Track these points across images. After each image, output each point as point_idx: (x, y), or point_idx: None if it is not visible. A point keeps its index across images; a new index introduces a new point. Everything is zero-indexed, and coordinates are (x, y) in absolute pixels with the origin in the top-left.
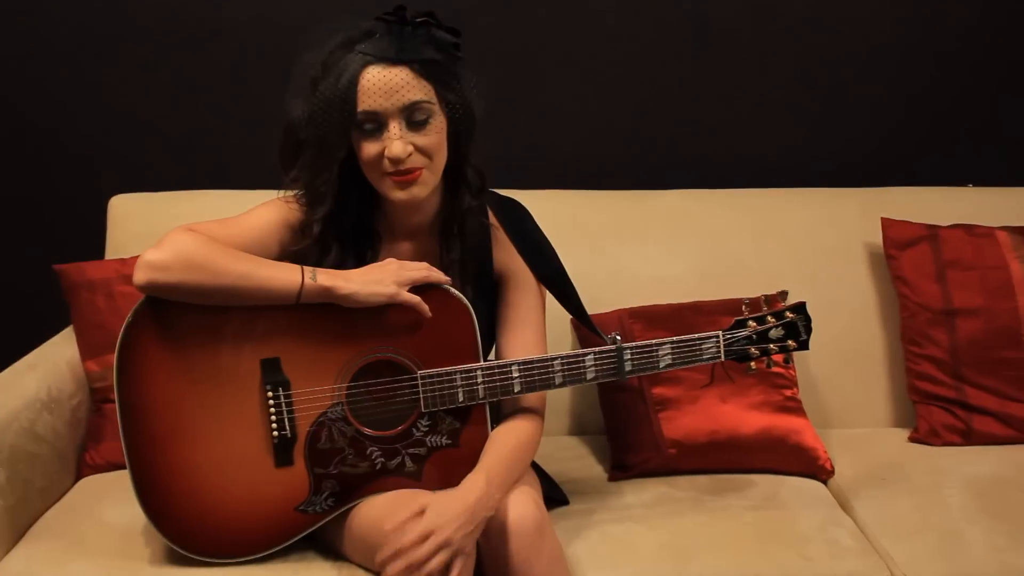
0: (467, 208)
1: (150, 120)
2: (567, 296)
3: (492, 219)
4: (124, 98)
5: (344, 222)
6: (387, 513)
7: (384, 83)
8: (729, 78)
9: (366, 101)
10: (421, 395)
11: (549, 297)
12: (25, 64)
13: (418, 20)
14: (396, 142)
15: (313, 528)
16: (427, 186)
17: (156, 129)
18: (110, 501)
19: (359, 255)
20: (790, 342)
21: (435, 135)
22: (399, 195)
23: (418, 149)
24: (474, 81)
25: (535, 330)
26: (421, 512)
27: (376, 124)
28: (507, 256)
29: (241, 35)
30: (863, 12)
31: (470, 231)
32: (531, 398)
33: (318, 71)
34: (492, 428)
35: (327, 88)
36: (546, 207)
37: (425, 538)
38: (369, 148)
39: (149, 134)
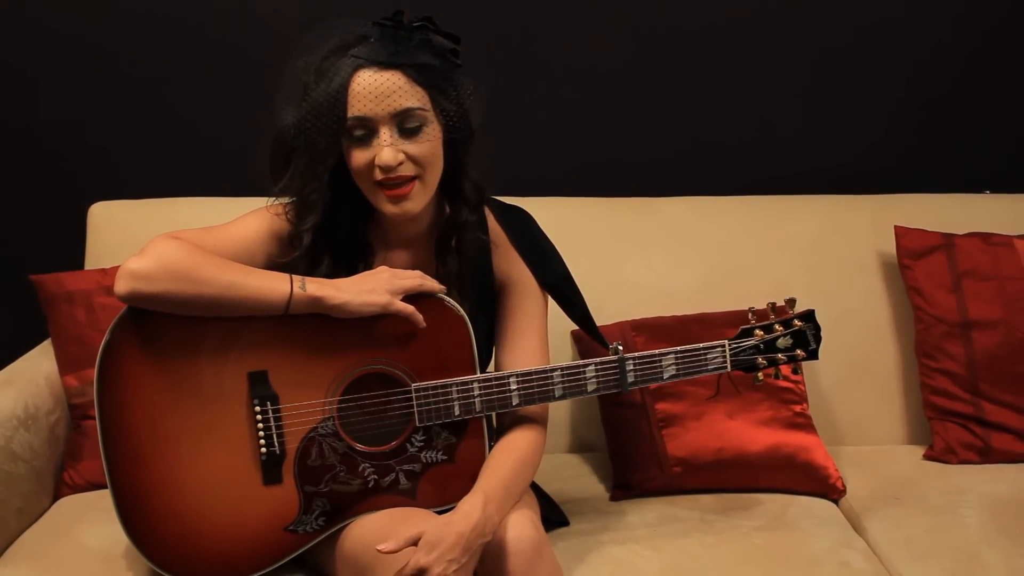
0: (464, 222)
1: (132, 125)
2: (572, 303)
3: (494, 226)
4: (104, 102)
5: (335, 233)
6: (380, 534)
7: (375, 87)
8: (736, 83)
9: (356, 106)
10: (415, 409)
11: (553, 307)
12: (2, 69)
13: (415, 24)
14: (386, 149)
15: (303, 549)
16: (420, 201)
17: (138, 134)
18: (90, 522)
19: (351, 267)
20: (799, 351)
21: (428, 144)
22: (391, 209)
23: (410, 158)
24: (472, 90)
25: (536, 339)
26: (415, 540)
27: (366, 130)
28: (508, 264)
29: (225, 40)
30: (875, 16)
31: (468, 244)
32: (533, 407)
33: (311, 76)
34: (490, 441)
35: (318, 93)
36: (546, 215)
37: (418, 574)
38: (359, 156)
39: (131, 139)
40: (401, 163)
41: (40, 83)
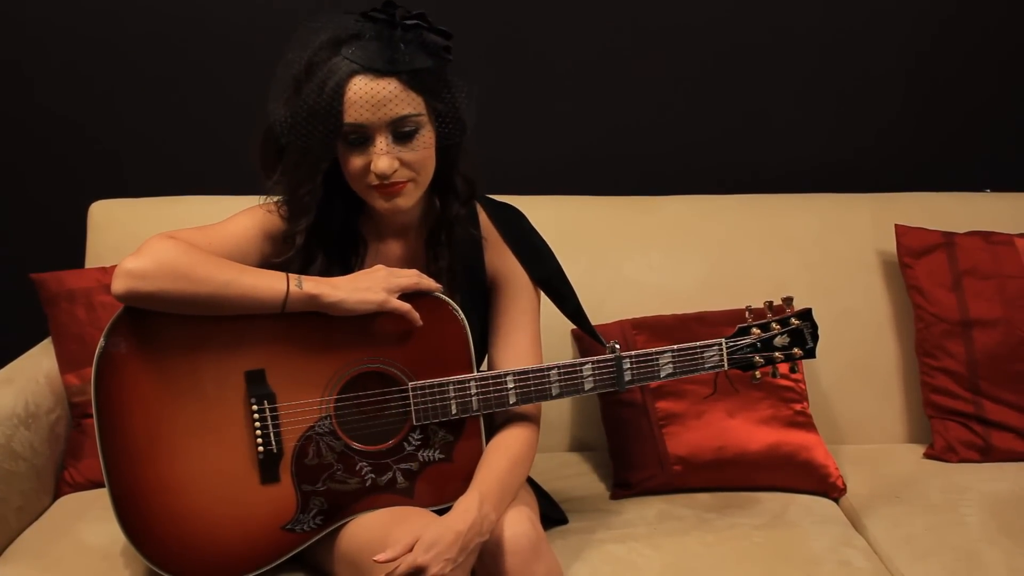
0: (455, 216)
1: (133, 123)
2: (564, 298)
3: (486, 223)
4: (105, 101)
5: (328, 230)
6: (378, 533)
7: (371, 96)
8: (736, 81)
9: (352, 113)
10: (412, 408)
11: (548, 305)
12: (2, 67)
13: (408, 22)
14: (383, 157)
15: (300, 548)
16: (412, 197)
17: (139, 132)
18: (89, 521)
19: (344, 261)
20: (796, 350)
21: (423, 149)
22: (383, 205)
23: (404, 163)
24: (465, 89)
25: (529, 335)
26: (412, 548)
27: (362, 136)
28: (500, 260)
29: (224, 39)
30: (875, 15)
31: (458, 239)
32: (526, 405)
33: (301, 72)
34: (486, 439)
35: (310, 95)
36: (545, 213)
37: (415, 572)
38: (354, 161)
39: (130, 138)
40: (396, 170)
41: (41, 81)
